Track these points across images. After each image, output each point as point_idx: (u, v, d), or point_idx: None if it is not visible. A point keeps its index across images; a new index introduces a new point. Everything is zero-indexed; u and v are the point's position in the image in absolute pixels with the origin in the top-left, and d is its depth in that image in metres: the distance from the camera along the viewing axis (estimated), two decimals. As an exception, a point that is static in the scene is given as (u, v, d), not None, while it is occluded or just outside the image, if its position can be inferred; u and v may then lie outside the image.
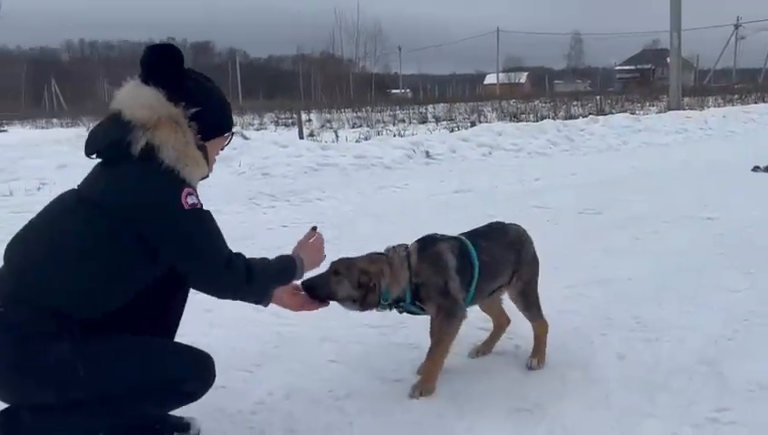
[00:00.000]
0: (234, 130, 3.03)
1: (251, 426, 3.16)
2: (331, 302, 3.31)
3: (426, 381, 3.44)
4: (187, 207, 2.58)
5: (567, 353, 3.89)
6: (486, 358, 3.88)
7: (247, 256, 2.79)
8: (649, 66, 73.67)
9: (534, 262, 3.82)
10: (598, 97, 32.08)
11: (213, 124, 2.81)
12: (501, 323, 3.96)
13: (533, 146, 14.42)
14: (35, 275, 2.55)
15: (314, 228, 3.22)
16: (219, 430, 3.12)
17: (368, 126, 24.07)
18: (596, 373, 3.62)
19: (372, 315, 4.43)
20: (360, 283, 3.27)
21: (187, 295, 3.08)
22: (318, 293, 3.25)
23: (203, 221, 2.67)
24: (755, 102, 28.07)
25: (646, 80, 64.21)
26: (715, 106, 27.22)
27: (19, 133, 26.51)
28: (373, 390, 3.52)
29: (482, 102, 36.42)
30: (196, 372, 2.76)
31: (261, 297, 2.93)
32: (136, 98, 2.66)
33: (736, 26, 70.69)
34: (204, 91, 2.79)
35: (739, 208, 7.81)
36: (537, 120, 19.42)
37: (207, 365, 2.79)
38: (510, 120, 21.89)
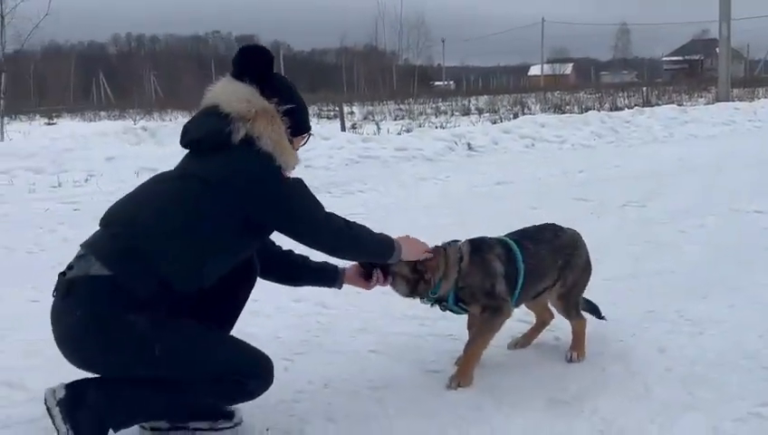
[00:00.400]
0: (311, 131, 3.22)
1: (291, 414, 3.20)
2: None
3: (463, 372, 3.45)
4: (286, 180, 2.86)
5: (607, 346, 3.87)
6: (525, 350, 3.88)
7: None
8: (698, 57, 72.19)
9: (586, 268, 3.80)
10: (644, 88, 31.56)
11: (299, 121, 3.03)
12: (544, 318, 3.94)
13: (577, 138, 14.26)
14: (142, 240, 2.70)
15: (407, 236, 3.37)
16: (261, 417, 3.17)
17: (410, 118, 24.06)
18: (637, 366, 3.59)
19: (412, 307, 4.48)
20: (416, 268, 3.34)
21: (251, 288, 3.21)
22: (372, 265, 3.35)
23: (302, 188, 2.92)
24: (808, 93, 27.39)
25: (694, 71, 62.94)
26: (765, 97, 26.58)
27: (68, 126, 27.06)
28: (412, 380, 3.55)
29: (526, 94, 36.11)
30: (260, 372, 2.90)
31: (359, 252, 3.18)
32: (233, 93, 2.88)
33: (789, 15, 68.89)
34: (292, 91, 3.04)
35: (788, 201, 7.64)
36: (581, 112, 19.18)
37: (269, 368, 2.93)
38: (554, 112, 21.70)
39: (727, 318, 4.23)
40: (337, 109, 24.07)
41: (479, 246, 3.49)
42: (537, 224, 3.81)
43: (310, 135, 3.19)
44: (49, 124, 30.90)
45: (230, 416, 3.09)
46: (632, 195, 8.21)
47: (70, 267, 2.74)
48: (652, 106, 20.18)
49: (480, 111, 26.50)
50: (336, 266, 3.45)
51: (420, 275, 3.36)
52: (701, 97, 27.99)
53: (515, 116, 20.35)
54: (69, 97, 63.98)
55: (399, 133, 15.32)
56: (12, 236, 6.92)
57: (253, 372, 2.88)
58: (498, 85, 66.58)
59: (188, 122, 3.03)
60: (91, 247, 2.75)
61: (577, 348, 3.71)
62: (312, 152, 11.71)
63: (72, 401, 2.67)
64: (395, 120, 23.76)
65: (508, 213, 7.26)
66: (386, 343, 4.00)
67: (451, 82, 73.32)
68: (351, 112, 26.11)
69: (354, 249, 3.14)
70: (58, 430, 2.68)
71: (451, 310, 3.53)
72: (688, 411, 3.13)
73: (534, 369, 3.62)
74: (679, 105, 20.56)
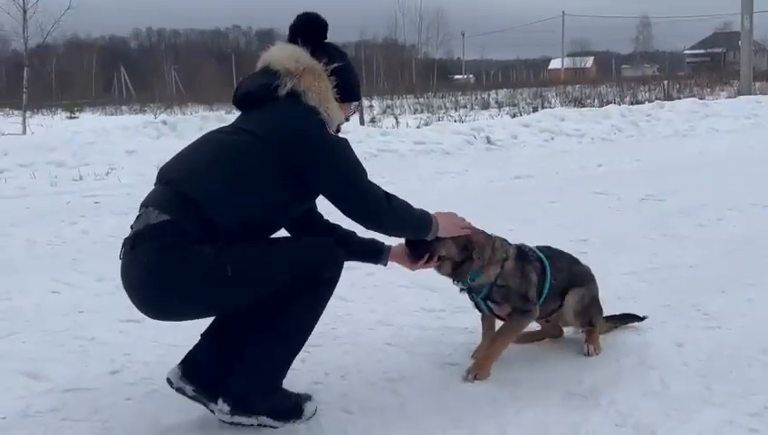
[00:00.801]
0: (360, 101, 3.35)
1: (308, 405, 3.22)
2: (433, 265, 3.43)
3: (481, 366, 3.47)
4: (333, 136, 2.95)
5: (624, 340, 3.86)
6: (541, 343, 3.88)
7: None
8: (720, 50, 71.44)
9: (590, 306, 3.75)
10: (665, 82, 31.31)
11: (347, 85, 3.11)
12: (554, 333, 3.94)
13: (597, 131, 14.19)
14: (190, 185, 2.81)
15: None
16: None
17: (429, 112, 24.03)
18: (653, 360, 3.59)
19: (428, 300, 4.50)
20: (465, 247, 3.38)
21: None
22: (420, 247, 3.34)
23: (346, 146, 2.98)
24: (832, 87, 27.06)
25: (716, 64, 62.24)
26: (788, 91, 26.29)
27: (89, 120, 27.31)
28: (427, 373, 3.56)
29: (546, 88, 35.93)
30: (327, 254, 3.01)
31: (396, 225, 3.15)
32: (283, 52, 3.03)
33: (813, 7, 68.01)
34: (341, 55, 3.13)
35: (810, 196, 7.58)
36: (601, 106, 19.07)
37: (333, 246, 3.06)
38: (574, 106, 21.59)
39: (745, 312, 4.21)
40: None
41: (525, 255, 3.55)
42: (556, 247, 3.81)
43: (359, 105, 3.29)
44: (71, 118, 31.17)
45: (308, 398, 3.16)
46: (651, 189, 8.16)
47: (131, 227, 2.88)
48: (673, 100, 19.99)
49: (500, 105, 26.45)
50: (383, 243, 3.46)
51: (468, 256, 3.39)
52: (722, 90, 27.74)
53: (535, 110, 20.26)
54: (91, 91, 64.47)
55: (418, 127, 15.30)
56: (33, 228, 7.01)
57: (322, 256, 2.99)
58: (518, 79, 66.28)
59: (240, 82, 3.17)
60: (147, 202, 2.89)
61: (593, 341, 3.70)
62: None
63: (239, 402, 2.92)
64: (414, 113, 23.74)
65: (526, 207, 7.26)
66: (402, 336, 4.01)
67: (471, 76, 73.07)
68: (371, 106, 26.14)
69: (392, 222, 3.12)
70: (252, 425, 2.95)
71: (477, 304, 3.55)
72: (705, 406, 3.13)
73: (550, 362, 3.62)
74: (700, 99, 20.37)
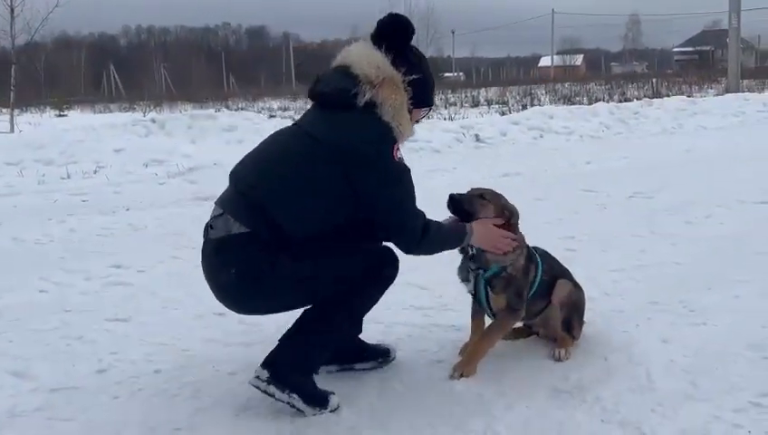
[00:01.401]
0: (433, 104, 3.40)
1: (295, 402, 3.23)
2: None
3: (468, 363, 3.48)
4: (396, 159, 3.02)
5: (611, 336, 3.88)
6: (527, 340, 3.89)
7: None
8: (709, 48, 71.68)
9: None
10: (654, 79, 31.41)
11: (422, 94, 3.18)
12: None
13: (585, 129, 14.21)
14: (263, 197, 2.99)
15: (508, 218, 3.51)
16: (267, 403, 3.20)
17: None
18: (639, 357, 3.60)
19: (417, 298, 4.51)
20: (503, 213, 3.48)
21: None
22: (461, 207, 3.46)
23: (405, 175, 3.09)
24: (819, 84, 27.21)
25: (705, 62, 62.48)
26: (776, 88, 26.42)
27: (78, 118, 27.15)
28: (416, 369, 3.57)
29: (536, 85, 35.98)
30: (389, 255, 3.24)
31: (428, 254, 3.28)
32: (367, 57, 3.06)
33: (801, 5, 68.27)
34: (421, 65, 3.18)
35: (796, 193, 7.62)
36: (590, 103, 19.12)
37: (392, 252, 3.24)
38: (563, 103, 21.64)
39: (731, 309, 4.23)
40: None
41: (532, 255, 3.62)
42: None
43: (431, 109, 3.37)
44: (60, 116, 30.98)
45: (387, 353, 3.54)
46: (640, 186, 8.19)
47: (211, 226, 3.07)
48: (661, 97, 20.06)
49: (489, 103, 26.44)
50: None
51: (505, 219, 3.50)
52: (711, 88, 27.84)
53: (524, 107, 20.29)
54: (80, 89, 64.13)
55: (408, 125, 15.27)
56: (21, 226, 6.98)
57: (383, 260, 3.21)
58: (508, 76, 66.38)
59: (320, 75, 3.21)
60: (226, 207, 3.05)
61: (565, 346, 3.67)
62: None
63: (279, 371, 3.03)
64: (404, 111, 23.67)
65: (515, 204, 7.25)
66: (391, 333, 4.02)
67: (461, 74, 73.04)
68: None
69: (423, 253, 3.26)
70: (282, 401, 3.05)
71: (476, 289, 3.54)
72: (690, 401, 3.15)
73: (536, 359, 3.64)
74: (689, 96, 20.45)
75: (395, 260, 3.25)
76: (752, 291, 4.53)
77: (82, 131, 11.72)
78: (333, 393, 3.16)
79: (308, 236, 3.01)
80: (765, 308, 4.21)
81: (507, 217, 3.50)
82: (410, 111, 3.13)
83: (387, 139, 3.02)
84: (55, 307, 4.61)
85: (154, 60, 79.09)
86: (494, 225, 3.45)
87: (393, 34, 3.12)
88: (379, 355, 3.57)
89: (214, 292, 3.13)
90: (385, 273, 3.21)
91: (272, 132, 3.24)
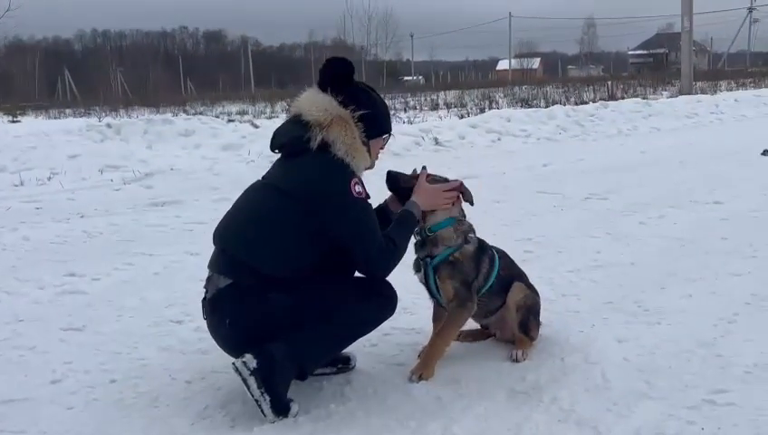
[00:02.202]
0: (391, 132, 3.55)
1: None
2: None
3: (425, 366, 3.49)
4: (355, 195, 3.18)
5: (567, 337, 3.92)
6: (485, 342, 3.92)
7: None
8: (663, 51, 72.97)
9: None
10: (609, 82, 31.84)
11: (374, 126, 3.35)
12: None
13: (542, 132, 14.37)
14: (240, 251, 3.19)
15: (424, 167, 3.67)
16: (224, 412, 3.18)
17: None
18: (595, 357, 3.65)
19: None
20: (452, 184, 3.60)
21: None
22: (398, 184, 3.57)
23: (366, 210, 3.25)
24: (768, 86, 27.85)
25: (659, 64, 63.67)
26: (727, 90, 26.99)
27: (32, 123, 26.66)
28: (375, 373, 3.58)
29: (494, 89, 36.23)
30: (384, 303, 3.38)
31: (401, 258, 3.40)
32: (314, 102, 3.27)
33: (750, 9, 69.90)
34: (369, 99, 3.36)
35: (746, 192, 7.81)
36: (547, 106, 19.32)
37: (392, 301, 3.39)
38: (521, 106, 21.83)
39: (684, 308, 4.31)
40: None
41: (484, 248, 3.67)
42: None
43: (390, 135, 3.51)
44: (13, 122, 30.36)
45: (347, 361, 3.59)
46: (595, 188, 8.31)
47: (205, 289, 3.27)
48: (617, 100, 20.35)
49: (449, 106, 26.56)
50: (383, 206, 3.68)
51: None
52: (665, 90, 28.33)
53: (482, 111, 20.41)
54: (34, 94, 62.95)
55: (366, 128, 15.25)
56: (-28, 235, 6.82)
57: (378, 303, 3.35)
58: (467, 80, 66.71)
59: (277, 129, 3.44)
60: (212, 267, 3.28)
61: (523, 347, 3.70)
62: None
63: (266, 367, 3.05)
64: (363, 115, 23.63)
65: (471, 207, 7.30)
66: (349, 338, 4.00)
67: (420, 77, 73.29)
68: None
69: (395, 265, 3.36)
70: (252, 395, 3.04)
71: (426, 275, 3.57)
72: (644, 400, 3.20)
73: (494, 360, 3.66)
74: (643, 99, 20.79)
75: (389, 304, 3.40)
76: (703, 290, 4.62)
77: (36, 137, 11.49)
78: (294, 401, 3.15)
79: (290, 275, 3.16)
80: (716, 307, 4.29)
81: (451, 181, 3.65)
82: (367, 144, 3.31)
83: (343, 175, 3.18)
84: (8, 317, 4.52)
85: (110, 64, 77.87)
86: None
87: (334, 77, 3.31)
88: (339, 361, 3.57)
89: (221, 347, 3.30)
90: (385, 293, 3.37)
91: (245, 189, 3.43)
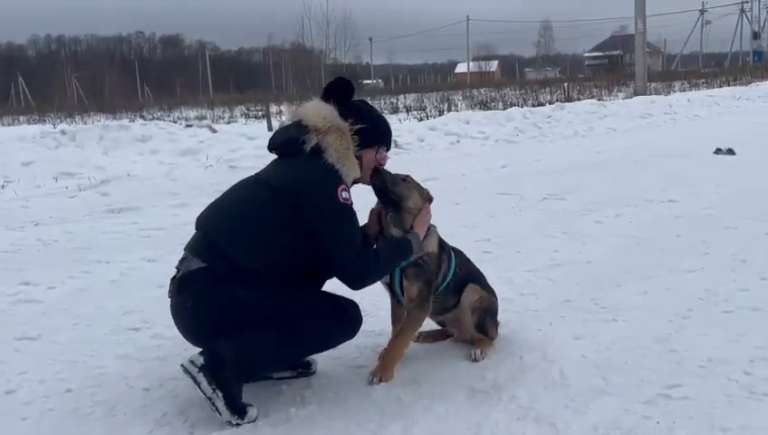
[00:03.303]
0: (387, 146, 3.66)
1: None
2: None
3: (385, 367, 3.50)
4: (341, 200, 3.24)
5: (526, 335, 3.96)
6: (445, 342, 3.94)
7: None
8: (618, 52, 74.00)
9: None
10: (565, 84, 32.23)
11: (369, 138, 3.47)
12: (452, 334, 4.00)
13: (501, 134, 14.50)
14: (221, 237, 3.23)
15: (430, 200, 3.71)
16: (183, 418, 3.15)
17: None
18: (553, 355, 3.69)
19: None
20: (429, 199, 3.66)
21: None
22: (386, 187, 3.56)
23: (349, 216, 3.29)
24: (720, 87, 28.43)
25: (614, 66, 64.45)
26: (681, 91, 27.50)
27: (-16, 131, 26.16)
28: (335, 376, 3.58)
29: (453, 91, 36.44)
30: (345, 322, 3.42)
31: (378, 280, 3.50)
32: (316, 110, 3.39)
33: (702, 12, 71.38)
34: (367, 114, 3.52)
35: (700, 190, 7.97)
36: (505, 108, 19.49)
37: (355, 320, 3.45)
38: (479, 109, 21.98)
39: (640, 305, 4.38)
40: (265, 108, 23.93)
41: (443, 245, 3.72)
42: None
43: (386, 150, 3.62)
44: (-36, 130, 29.77)
45: (308, 365, 3.59)
46: (552, 188, 8.41)
47: (177, 269, 3.28)
48: (573, 101, 20.61)
49: (408, 109, 26.64)
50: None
51: (428, 204, 3.68)
52: (620, 92, 28.75)
53: (441, 113, 20.52)
54: (-14, 101, 61.71)
55: (326, 132, 15.24)
56: None
57: (340, 322, 3.39)
58: (426, 83, 66.97)
59: (276, 130, 3.58)
60: (188, 249, 3.30)
61: (482, 346, 3.73)
62: (239, 153, 11.63)
63: (214, 363, 3.03)
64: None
65: (432, 209, 7.33)
66: (309, 341, 3.99)
67: (380, 81, 73.39)
68: (280, 112, 25.88)
69: (374, 282, 3.46)
70: (204, 393, 3.02)
71: (392, 275, 3.56)
72: (602, 396, 3.24)
73: (453, 360, 3.68)
74: (599, 100, 21.09)
75: (353, 325, 3.44)
76: (658, 286, 4.70)
77: (-13, 145, 11.29)
78: (252, 406, 3.13)
79: (264, 271, 3.19)
80: (671, 303, 4.37)
81: (430, 198, 3.70)
82: (359, 157, 3.41)
83: (331, 180, 3.26)
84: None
85: (64, 70, 76.73)
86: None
87: (337, 91, 3.47)
88: (299, 366, 3.57)
89: (178, 329, 3.31)
90: (349, 313, 3.42)
91: (234, 184, 3.51)
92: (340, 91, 3.48)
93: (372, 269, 3.36)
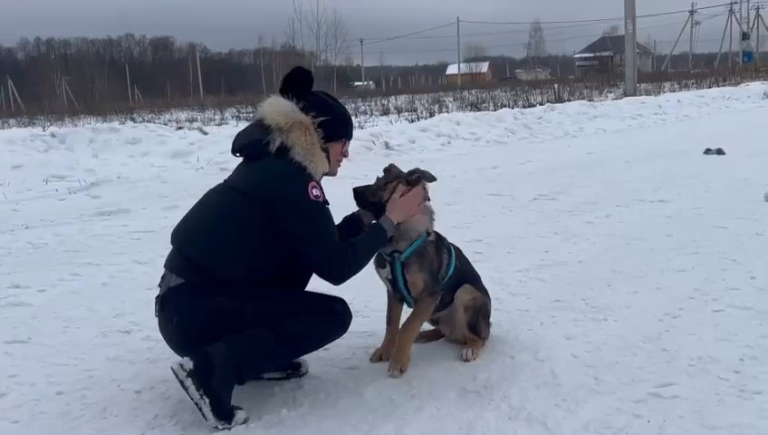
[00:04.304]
0: (352, 138, 3.61)
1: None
2: None
3: (401, 356, 3.55)
4: (312, 197, 3.22)
5: (517, 335, 3.97)
6: (436, 343, 3.94)
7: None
8: (608, 53, 74.24)
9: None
10: (556, 85, 32.30)
11: (334, 131, 3.42)
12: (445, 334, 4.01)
13: (491, 135, 14.53)
14: (195, 252, 3.24)
15: (388, 169, 3.73)
16: (174, 421, 3.14)
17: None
18: (544, 354, 3.70)
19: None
20: (407, 181, 3.64)
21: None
22: (366, 201, 3.58)
23: (322, 213, 3.28)
24: (709, 87, 28.54)
25: (605, 67, 64.72)
26: (670, 91, 27.59)
27: (-26, 134, 26.04)
28: (327, 377, 3.58)
29: (444, 93, 36.47)
30: (333, 321, 3.41)
31: (359, 271, 3.42)
32: (276, 107, 3.34)
33: (691, 12, 71.70)
34: (328, 106, 3.44)
35: (690, 190, 8.00)
36: (496, 109, 19.51)
37: (344, 319, 3.43)
38: (470, 110, 22.00)
39: (630, 304, 4.40)
40: (255, 110, 23.94)
41: (442, 239, 3.75)
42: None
43: (349, 140, 3.56)
44: (-47, 133, 29.61)
45: (298, 367, 3.58)
46: (543, 189, 8.43)
47: (159, 286, 3.30)
48: (563, 102, 20.66)
49: (399, 111, 26.64)
50: (353, 217, 3.73)
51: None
52: (610, 92, 28.82)
53: (432, 114, 20.53)
54: (-25, 104, 61.46)
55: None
56: None
57: (328, 320, 3.38)
58: (417, 84, 67.06)
59: (239, 132, 3.49)
60: (167, 265, 3.31)
61: (473, 346, 3.74)
62: (229, 155, 11.57)
63: (203, 368, 3.01)
64: (314, 120, 23.58)
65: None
66: (301, 343, 3.98)
67: (371, 82, 73.45)
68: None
69: (357, 272, 3.40)
70: (192, 398, 3.01)
71: (393, 270, 3.58)
72: (593, 395, 3.26)
73: (445, 360, 3.69)
74: (589, 101, 21.14)
75: (341, 323, 3.43)
76: (648, 286, 4.72)
77: (-24, 149, 11.22)
78: (241, 409, 3.12)
79: (244, 278, 3.21)
80: (661, 302, 4.39)
81: (413, 180, 3.65)
82: (326, 149, 3.38)
83: (299, 178, 3.23)
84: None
85: (54, 73, 76.42)
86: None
87: (296, 84, 3.40)
88: (289, 367, 3.56)
89: (168, 344, 3.33)
90: (337, 311, 3.40)
91: (206, 192, 3.47)
92: (299, 81, 3.41)
93: (351, 262, 3.32)
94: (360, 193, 3.58)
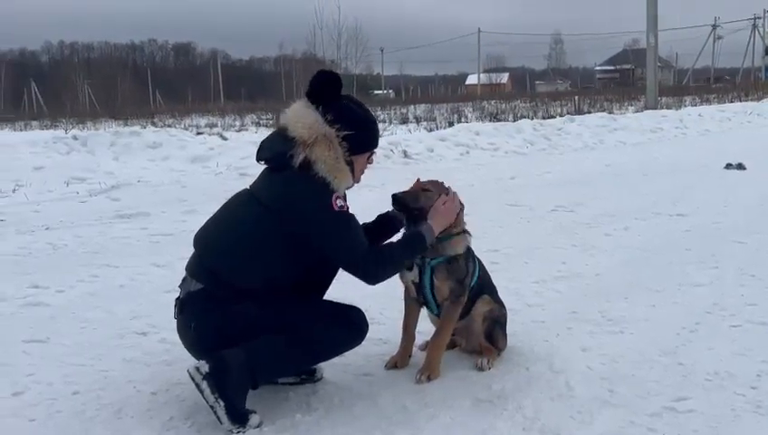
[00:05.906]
0: (377, 147, 3.54)
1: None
2: None
3: (432, 365, 3.57)
4: (336, 208, 3.21)
5: (532, 346, 3.96)
6: (451, 352, 3.92)
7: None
8: (629, 66, 73.97)
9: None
10: (576, 97, 32.23)
11: (359, 144, 3.36)
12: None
13: (510, 145, 14.51)
14: (216, 259, 3.26)
15: (447, 192, 3.72)
16: (189, 423, 3.16)
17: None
18: (560, 366, 3.69)
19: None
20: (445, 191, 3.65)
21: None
22: (407, 206, 3.59)
23: (348, 222, 3.27)
24: (731, 102, 28.36)
25: (625, 80, 64.55)
26: (692, 105, 27.45)
27: (-3, 136, 26.32)
28: (342, 383, 3.58)
29: (463, 103, 36.48)
30: (352, 330, 3.43)
31: (395, 274, 3.51)
32: (300, 117, 3.28)
33: (714, 27, 71.29)
34: (355, 117, 3.35)
35: (709, 205, 7.95)
36: (515, 120, 19.50)
37: (361, 328, 3.45)
38: (489, 121, 21.99)
39: (647, 317, 4.38)
40: (276, 117, 24.07)
41: (470, 249, 3.76)
42: None
43: (373, 151, 3.50)
44: (-23, 134, 29.95)
45: (313, 372, 3.58)
46: (561, 200, 8.40)
47: (180, 288, 3.35)
48: (583, 114, 20.61)
49: (418, 120, 26.68)
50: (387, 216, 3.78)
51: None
52: (631, 105, 28.71)
53: (450, 124, 20.55)
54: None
55: (336, 141, 15.29)
56: (-67, 247, 6.71)
57: (344, 331, 3.39)
58: (437, 94, 67.11)
59: (263, 140, 3.44)
60: (187, 269, 3.34)
61: (489, 355, 3.74)
62: (248, 160, 11.65)
63: (219, 372, 3.02)
64: (333, 128, 23.65)
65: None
66: (316, 349, 3.99)
67: (390, 91, 73.61)
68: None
69: (385, 277, 3.41)
70: (207, 401, 3.02)
71: (421, 274, 3.60)
72: (607, 408, 3.24)
73: (459, 370, 3.68)
74: (609, 113, 21.07)
75: (359, 332, 3.44)
76: (666, 300, 4.69)
77: (0, 149, 11.37)
78: (255, 412, 3.13)
79: (262, 288, 3.22)
80: (678, 316, 4.37)
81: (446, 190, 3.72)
82: (350, 162, 3.33)
83: (323, 193, 3.20)
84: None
85: (77, 77, 77.19)
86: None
87: (322, 90, 3.32)
88: (304, 372, 3.57)
89: (185, 347, 3.36)
90: (354, 322, 3.42)
91: (229, 197, 3.48)
92: (327, 85, 3.33)
93: (386, 264, 3.35)
94: (399, 199, 3.59)
